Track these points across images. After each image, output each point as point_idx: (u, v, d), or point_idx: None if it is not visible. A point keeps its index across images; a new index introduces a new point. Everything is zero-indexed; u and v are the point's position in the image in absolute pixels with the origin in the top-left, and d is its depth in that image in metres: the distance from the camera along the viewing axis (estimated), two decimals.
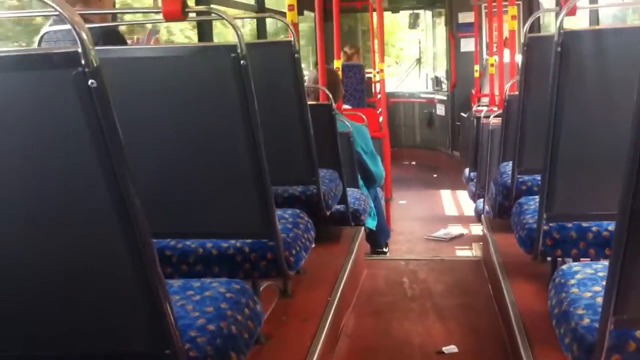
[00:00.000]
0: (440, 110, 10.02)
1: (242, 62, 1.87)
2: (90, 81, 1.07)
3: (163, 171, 2.04)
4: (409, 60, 13.21)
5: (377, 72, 6.90)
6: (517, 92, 3.11)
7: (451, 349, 2.83)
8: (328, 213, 3.14)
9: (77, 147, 1.14)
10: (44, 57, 1.10)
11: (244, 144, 2.01)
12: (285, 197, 3.06)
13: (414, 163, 10.14)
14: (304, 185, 3.08)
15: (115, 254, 1.23)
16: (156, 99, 1.99)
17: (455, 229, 6.39)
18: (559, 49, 2.00)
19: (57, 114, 1.13)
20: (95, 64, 1.07)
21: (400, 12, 11.31)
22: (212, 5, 4.07)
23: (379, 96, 7.20)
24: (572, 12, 2.32)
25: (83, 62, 1.06)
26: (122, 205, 1.16)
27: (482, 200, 4.82)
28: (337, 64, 5.26)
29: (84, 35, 1.06)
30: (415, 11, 10.73)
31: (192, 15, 2.08)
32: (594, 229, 2.25)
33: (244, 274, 2.19)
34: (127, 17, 3.66)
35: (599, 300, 1.46)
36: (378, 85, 6.91)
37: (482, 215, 4.43)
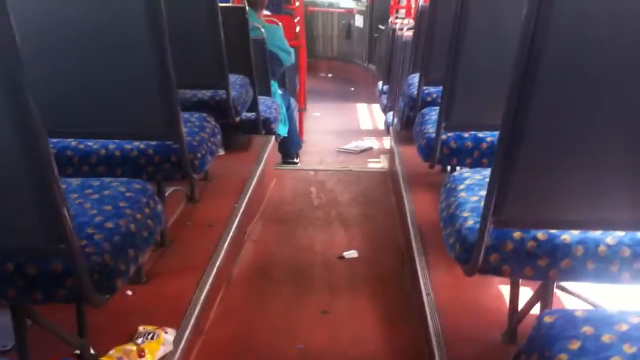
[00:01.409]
0: (359, 21, 9.94)
1: None
2: None
3: (68, 71, 1.96)
4: None
5: None
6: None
7: (351, 253, 2.95)
8: (237, 119, 3.13)
9: None
10: None
11: (150, 46, 1.94)
12: (194, 101, 3.02)
13: (330, 75, 10.13)
14: (214, 90, 3.05)
15: (10, 151, 1.20)
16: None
17: (367, 142, 6.51)
18: None
19: None
20: None
21: None
22: None
23: (297, 4, 7.07)
24: None
25: None
26: (15, 102, 1.12)
27: (392, 112, 4.90)
28: None
29: None
30: None
31: None
32: (488, 139, 2.35)
33: (147, 176, 2.17)
34: None
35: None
36: None
37: (391, 128, 4.53)
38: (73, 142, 2.21)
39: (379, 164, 5.64)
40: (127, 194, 1.68)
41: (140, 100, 2.10)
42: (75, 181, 1.75)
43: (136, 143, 2.19)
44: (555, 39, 1.23)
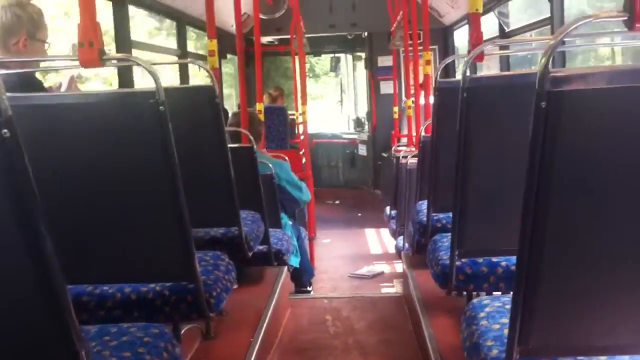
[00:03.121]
0: (362, 150, 10.25)
1: (160, 107, 1.89)
2: (3, 131, 1.07)
3: (82, 216, 2.02)
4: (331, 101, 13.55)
5: (300, 114, 7.03)
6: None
7: None
8: (250, 254, 3.15)
9: None
10: None
11: (164, 189, 2.01)
12: (207, 239, 3.06)
13: (337, 202, 10.27)
14: (226, 227, 3.09)
15: (30, 302, 1.21)
16: (76, 145, 1.98)
17: (379, 267, 6.50)
18: (464, 94, 2.12)
19: None
20: (8, 113, 1.07)
21: (322, 55, 11.60)
22: (133, 51, 4.07)
23: (302, 137, 7.31)
24: (479, 58, 2.47)
25: None
26: (35, 252, 1.15)
27: (402, 237, 4.94)
28: (260, 106, 5.33)
29: None
30: (337, 55, 11.03)
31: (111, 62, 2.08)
32: (503, 263, 2.36)
33: (164, 317, 2.17)
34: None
35: (507, 331, 1.53)
36: (301, 127, 7.03)
37: (402, 253, 4.54)
38: (89, 288, 2.22)
39: (393, 288, 5.60)
40: (145, 339, 1.67)
41: (156, 242, 2.13)
42: (93, 329, 1.74)
43: (152, 285, 2.20)
44: (564, 157, 1.27)
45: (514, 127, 2.11)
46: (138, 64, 1.95)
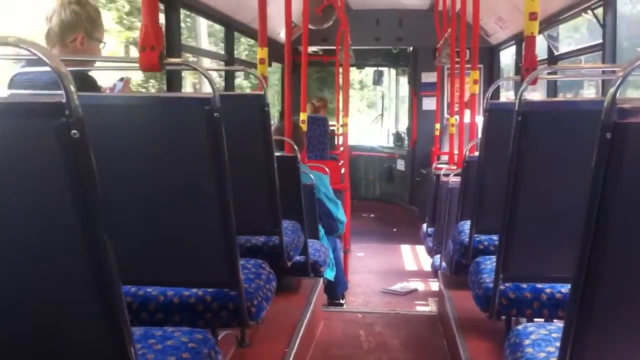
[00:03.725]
0: (401, 165, 10.20)
1: (215, 114, 1.91)
2: (72, 132, 1.08)
3: (130, 218, 2.04)
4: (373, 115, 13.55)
5: (341, 126, 7.03)
6: (476, 153, 3.22)
7: None
8: (289, 264, 3.16)
9: (55, 197, 1.15)
10: (27, 106, 1.12)
11: (212, 195, 2.03)
12: (248, 247, 3.07)
13: (372, 216, 10.24)
14: (267, 236, 3.10)
15: (86, 299, 1.23)
16: (128, 146, 2.01)
17: (412, 284, 6.45)
18: (519, 118, 2.10)
19: (36, 161, 1.14)
20: (79, 114, 1.09)
21: (366, 68, 11.60)
22: (189, 58, 4.12)
23: (341, 149, 7.31)
24: (533, 82, 2.45)
25: (67, 112, 1.08)
26: (95, 253, 1.17)
27: (439, 256, 4.89)
28: (303, 116, 5.35)
29: (70, 86, 1.08)
30: (380, 68, 11.02)
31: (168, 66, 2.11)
32: (547, 290, 2.32)
33: (204, 322, 2.18)
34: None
35: None
36: (341, 138, 7.03)
37: (439, 271, 4.50)
38: (132, 289, 2.25)
39: (426, 306, 5.55)
40: (190, 345, 1.68)
41: (201, 247, 2.15)
42: (138, 330, 1.76)
43: (194, 290, 2.22)
44: (626, 189, 1.25)
45: (570, 155, 2.09)
46: (196, 69, 1.97)
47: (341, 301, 5.34)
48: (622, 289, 1.34)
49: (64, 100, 1.08)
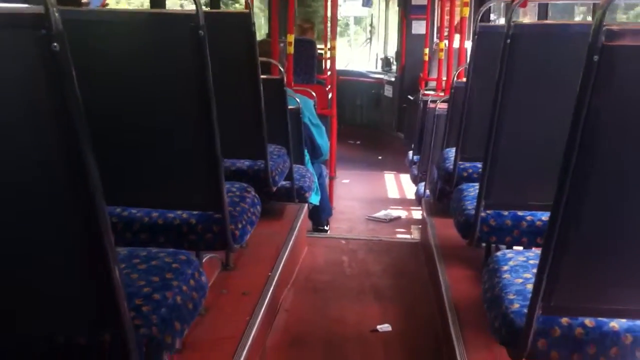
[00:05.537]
0: (388, 91, 10.10)
1: (200, 32, 1.86)
2: (53, 44, 1.06)
3: (114, 137, 2.02)
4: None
5: (329, 49, 6.91)
6: (464, 79, 3.18)
7: (385, 327, 2.92)
8: (274, 189, 3.17)
9: (35, 111, 1.13)
10: (7, 17, 1.09)
11: (197, 116, 2.00)
12: (233, 170, 3.07)
13: (358, 142, 10.22)
14: (252, 160, 3.09)
15: (68, 219, 1.23)
16: (110, 64, 1.97)
17: (396, 211, 6.51)
18: (508, 40, 2.06)
19: (16, 74, 1.12)
20: (59, 27, 1.06)
21: None
22: None
23: (329, 73, 7.20)
24: (523, 4, 2.39)
25: (46, 24, 1.06)
26: (78, 170, 1.16)
27: (423, 183, 4.92)
28: (290, 38, 5.25)
29: None
30: None
31: None
32: (528, 218, 2.35)
33: (188, 245, 2.20)
34: None
35: (529, 286, 1.53)
36: (329, 62, 6.92)
37: (422, 199, 4.53)
38: (117, 209, 2.25)
39: (408, 234, 5.63)
40: (174, 265, 1.70)
41: (186, 169, 2.15)
42: (122, 250, 1.77)
43: (179, 212, 2.23)
44: (612, 113, 1.24)
45: (558, 80, 2.07)
46: None
47: (325, 227, 5.40)
48: (600, 218, 1.36)
49: (42, 12, 1.05)
